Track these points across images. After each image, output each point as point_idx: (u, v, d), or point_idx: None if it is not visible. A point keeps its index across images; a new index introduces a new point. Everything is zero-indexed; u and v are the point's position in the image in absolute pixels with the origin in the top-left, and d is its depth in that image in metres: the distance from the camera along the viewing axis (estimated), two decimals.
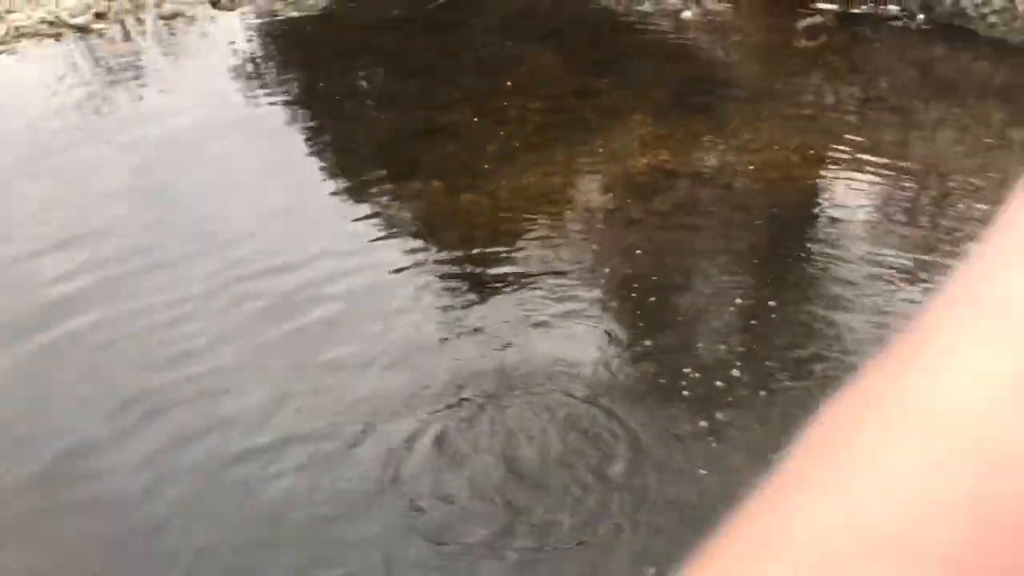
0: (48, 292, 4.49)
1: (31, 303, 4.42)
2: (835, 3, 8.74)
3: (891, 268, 4.68)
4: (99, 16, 8.41)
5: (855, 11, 8.61)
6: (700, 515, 3.09)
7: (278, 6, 8.90)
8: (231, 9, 8.85)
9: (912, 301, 4.39)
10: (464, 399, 3.75)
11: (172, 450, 3.54)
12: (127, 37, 8.31)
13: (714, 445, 3.51)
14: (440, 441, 3.54)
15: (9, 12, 8.18)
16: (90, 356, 4.08)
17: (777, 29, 8.65)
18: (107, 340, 4.16)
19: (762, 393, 3.79)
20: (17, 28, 7.97)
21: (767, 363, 3.98)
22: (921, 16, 8.23)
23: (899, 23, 8.29)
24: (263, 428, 3.64)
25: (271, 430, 3.62)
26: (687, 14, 8.63)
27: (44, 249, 4.84)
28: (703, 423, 3.62)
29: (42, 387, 3.91)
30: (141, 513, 3.30)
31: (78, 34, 8.11)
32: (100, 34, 8.21)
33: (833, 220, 5.17)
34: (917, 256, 4.79)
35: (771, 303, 4.42)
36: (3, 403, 3.84)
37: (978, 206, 5.32)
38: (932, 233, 5.09)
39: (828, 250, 4.86)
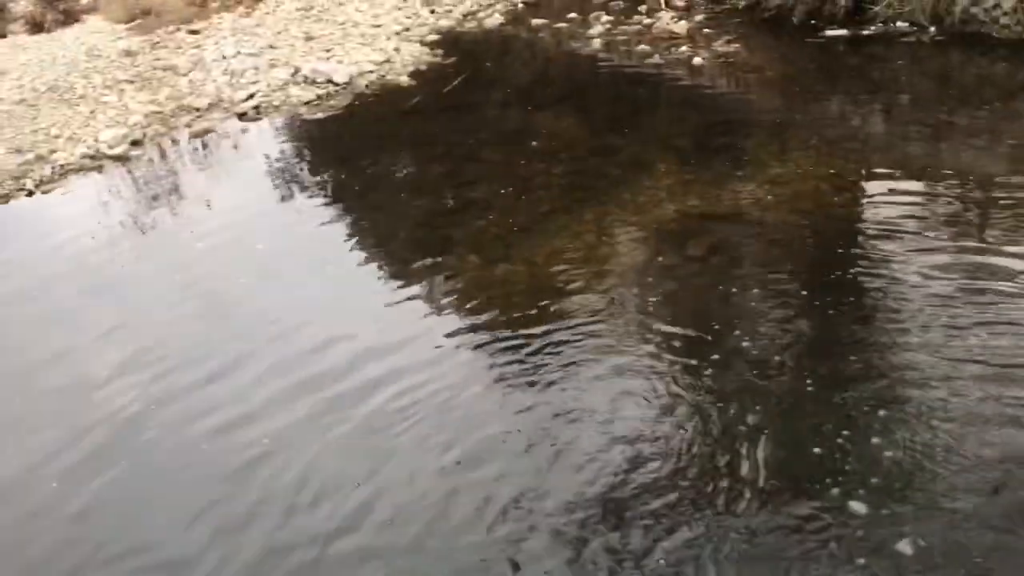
0: (123, 411, 4.63)
1: (109, 422, 4.56)
2: (844, 28, 8.80)
3: (940, 283, 4.60)
4: (135, 144, 8.79)
5: (865, 32, 8.65)
6: None
7: (303, 110, 9.23)
8: (258, 119, 9.19)
9: (964, 315, 4.31)
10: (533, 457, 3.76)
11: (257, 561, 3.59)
12: (164, 159, 8.66)
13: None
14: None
15: (52, 152, 8.59)
16: (164, 472, 4.18)
17: (790, 61, 8.70)
18: (178, 453, 4.27)
19: (819, 426, 3.73)
20: (62, 166, 8.35)
21: (822, 395, 3.93)
22: (932, 28, 8.23)
23: (911, 38, 8.30)
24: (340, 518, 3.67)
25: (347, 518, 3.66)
26: (698, 60, 8.74)
27: (113, 372, 5.00)
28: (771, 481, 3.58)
29: (125, 503, 4.00)
30: None
31: (118, 163, 8.47)
32: (139, 160, 8.58)
33: (875, 245, 5.10)
34: (966, 268, 4.71)
35: (820, 335, 4.37)
36: (93, 522, 3.93)
37: (1018, 207, 5.23)
38: (978, 243, 4.99)
39: (874, 280, 4.77)
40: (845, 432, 3.68)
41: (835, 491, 3.40)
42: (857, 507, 3.31)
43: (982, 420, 3.64)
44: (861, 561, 3.10)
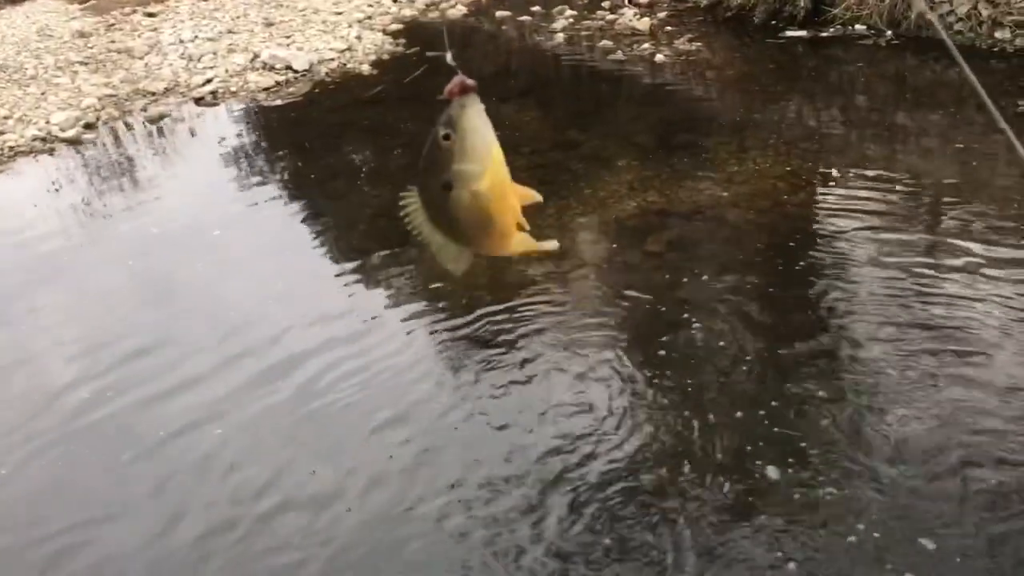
0: (68, 397, 4.53)
1: (54, 411, 4.45)
2: (804, 29, 8.92)
3: (887, 282, 4.71)
4: (88, 127, 8.60)
5: (824, 34, 8.78)
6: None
7: (261, 96, 9.10)
8: (215, 104, 9.05)
9: (910, 310, 4.42)
10: (482, 451, 3.76)
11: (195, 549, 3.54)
12: (118, 143, 8.49)
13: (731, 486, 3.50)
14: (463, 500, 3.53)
15: (0, 134, 8.37)
16: (111, 455, 4.09)
17: (751, 61, 8.80)
18: (126, 436, 4.19)
19: (767, 424, 3.78)
20: (11, 148, 8.14)
21: (772, 395, 3.98)
22: (889, 32, 8.38)
23: (868, 41, 8.44)
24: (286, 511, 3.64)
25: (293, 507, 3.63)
26: (660, 57, 8.80)
27: (61, 358, 4.90)
28: (716, 458, 3.62)
29: (66, 486, 3.92)
30: None
31: (70, 147, 8.29)
32: (92, 144, 8.39)
33: (828, 242, 5.20)
34: (913, 268, 4.82)
35: (772, 327, 4.44)
36: (34, 503, 3.84)
37: (970, 209, 5.36)
38: (926, 241, 5.12)
39: (826, 273, 4.88)
40: (790, 413, 3.77)
41: (775, 467, 3.46)
42: (799, 475, 3.39)
43: (923, 402, 3.74)
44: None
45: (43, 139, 8.32)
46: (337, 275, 5.50)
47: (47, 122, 8.56)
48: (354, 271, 5.52)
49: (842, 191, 5.77)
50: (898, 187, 5.75)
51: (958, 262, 4.80)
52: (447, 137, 1.31)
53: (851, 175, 5.98)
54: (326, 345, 4.68)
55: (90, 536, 3.64)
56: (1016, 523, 3.18)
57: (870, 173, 5.98)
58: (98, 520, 3.72)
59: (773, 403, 3.87)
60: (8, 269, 6.11)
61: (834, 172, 6.10)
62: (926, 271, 4.76)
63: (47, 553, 3.58)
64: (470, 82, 1.31)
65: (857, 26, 8.61)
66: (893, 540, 3.16)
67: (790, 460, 3.55)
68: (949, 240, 5.04)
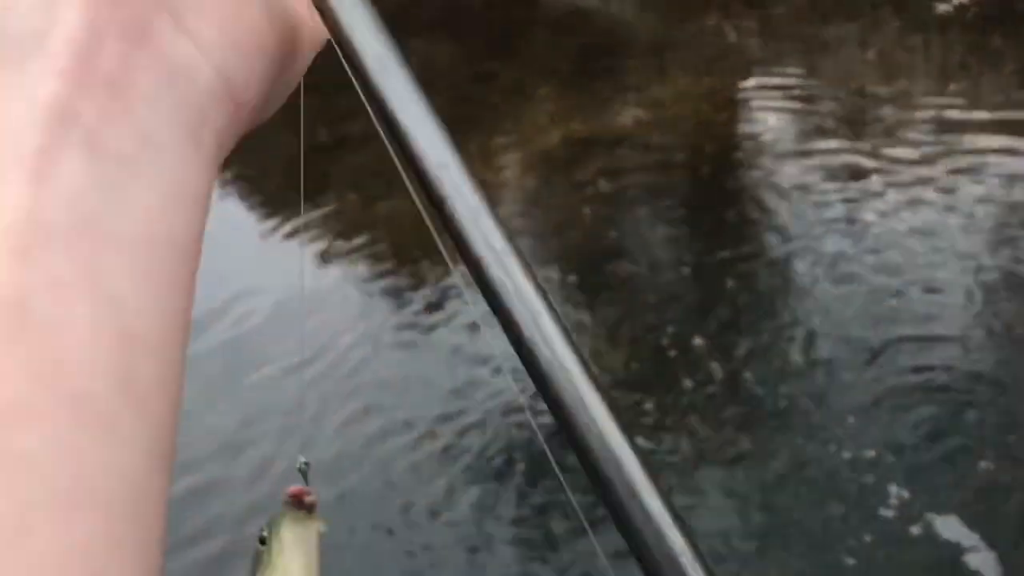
0: None
1: None
2: None
3: (821, 188, 4.70)
4: None
5: None
6: None
7: None
8: None
9: (852, 220, 4.40)
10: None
11: None
12: None
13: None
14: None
15: None
16: None
17: None
18: None
19: (701, 344, 3.73)
20: None
21: (711, 316, 3.93)
22: None
23: None
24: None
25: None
26: None
27: None
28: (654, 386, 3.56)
29: None
30: None
31: None
32: None
33: (756, 155, 5.15)
34: (840, 171, 4.81)
35: (708, 254, 4.37)
36: None
37: (892, 113, 5.35)
38: (855, 147, 5.10)
39: (758, 187, 4.84)
40: (731, 326, 3.75)
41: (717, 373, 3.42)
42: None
43: (852, 312, 3.76)
44: None
45: None
46: (253, 227, 5.21)
47: None
48: (271, 222, 5.24)
49: (765, 105, 5.70)
50: (820, 98, 5.70)
51: (881, 166, 4.79)
52: (263, 541, 0.90)
53: (773, 88, 5.90)
54: (244, 302, 4.45)
55: None
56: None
57: (792, 84, 5.91)
58: None
59: (714, 316, 3.85)
60: None
61: (755, 86, 6.02)
62: (851, 178, 4.77)
63: None
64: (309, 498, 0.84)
65: None
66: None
67: (731, 364, 3.53)
68: (874, 143, 5.03)
